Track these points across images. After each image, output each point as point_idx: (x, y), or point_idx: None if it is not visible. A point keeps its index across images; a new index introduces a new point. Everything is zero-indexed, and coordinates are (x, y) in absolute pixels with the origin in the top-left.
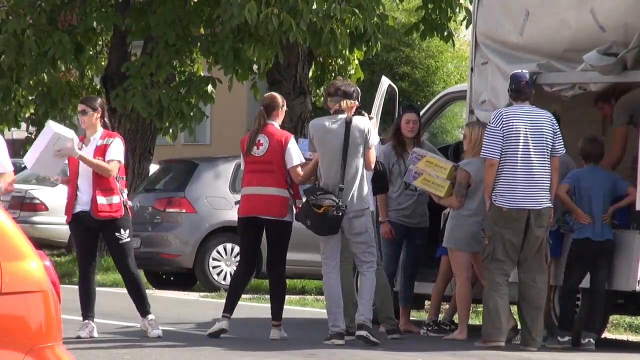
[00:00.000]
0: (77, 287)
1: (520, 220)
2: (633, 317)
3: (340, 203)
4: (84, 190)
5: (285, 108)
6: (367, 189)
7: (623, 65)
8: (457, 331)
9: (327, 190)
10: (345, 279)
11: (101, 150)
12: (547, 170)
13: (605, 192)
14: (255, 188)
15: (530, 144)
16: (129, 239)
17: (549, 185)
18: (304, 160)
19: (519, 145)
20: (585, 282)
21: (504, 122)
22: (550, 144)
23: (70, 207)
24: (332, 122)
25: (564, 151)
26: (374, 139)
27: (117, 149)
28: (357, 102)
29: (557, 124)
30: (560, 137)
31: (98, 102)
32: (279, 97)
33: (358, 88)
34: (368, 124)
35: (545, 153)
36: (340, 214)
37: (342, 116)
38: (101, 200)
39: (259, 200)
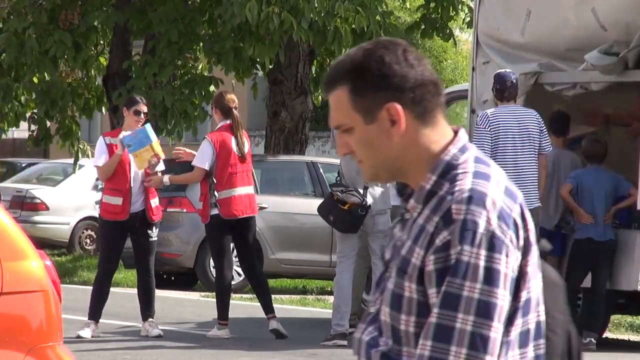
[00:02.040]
0: (78, 286)
1: None
2: (634, 317)
3: (365, 202)
4: (136, 192)
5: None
6: (388, 188)
7: (624, 65)
8: None
9: (353, 189)
10: (358, 276)
11: None
12: (535, 169)
13: (608, 193)
14: (246, 188)
15: (518, 144)
16: (156, 238)
17: (537, 184)
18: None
19: (506, 146)
20: (587, 282)
21: (490, 123)
22: (537, 142)
23: (127, 204)
24: None
25: (551, 149)
26: None
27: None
28: None
29: (543, 122)
30: (547, 135)
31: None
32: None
33: None
34: None
35: (533, 152)
36: (364, 212)
37: None
38: (155, 203)
39: (250, 199)
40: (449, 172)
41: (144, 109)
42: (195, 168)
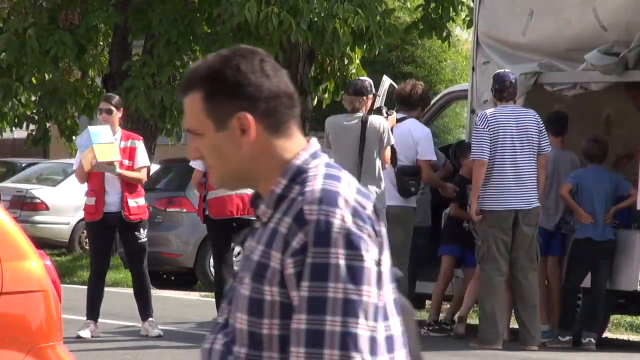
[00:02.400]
0: (78, 286)
1: (509, 219)
2: (634, 317)
3: None
4: (111, 192)
5: None
6: (384, 187)
7: (624, 65)
8: None
9: None
10: None
11: (126, 153)
12: (534, 170)
13: (608, 193)
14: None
15: (517, 144)
16: (146, 239)
17: (536, 184)
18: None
19: (505, 146)
20: (586, 282)
21: (489, 123)
22: (537, 142)
23: (100, 204)
24: (348, 120)
25: (550, 149)
26: (390, 138)
27: (144, 154)
28: (370, 96)
29: (542, 123)
30: (546, 135)
31: (119, 100)
32: None
33: (370, 80)
34: (384, 123)
35: (532, 152)
36: None
37: (359, 115)
38: (132, 203)
39: (242, 200)
40: (299, 175)
41: (105, 106)
42: (194, 169)
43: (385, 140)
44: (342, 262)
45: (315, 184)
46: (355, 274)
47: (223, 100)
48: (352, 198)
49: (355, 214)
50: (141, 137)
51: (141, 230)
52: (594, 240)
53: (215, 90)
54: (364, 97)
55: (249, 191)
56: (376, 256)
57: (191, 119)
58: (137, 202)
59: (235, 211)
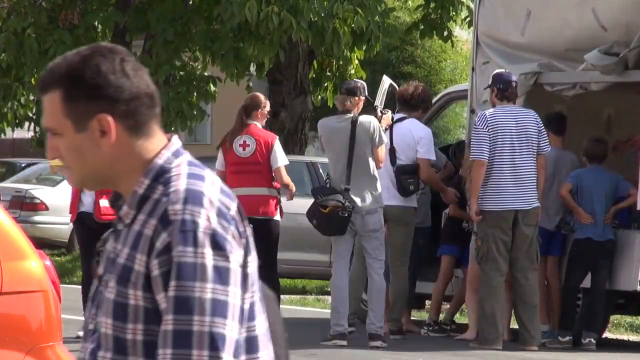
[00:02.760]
0: (77, 286)
1: (509, 219)
2: (634, 317)
3: (346, 204)
4: (87, 192)
5: (267, 109)
6: (379, 187)
7: (624, 65)
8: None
9: (335, 191)
10: (356, 277)
11: None
12: (534, 170)
13: (607, 193)
14: (245, 189)
15: (516, 145)
16: None
17: (536, 184)
18: (287, 162)
19: (504, 146)
20: (586, 282)
21: (489, 124)
22: (536, 143)
23: (75, 207)
24: (339, 122)
25: (549, 149)
26: (382, 137)
27: None
28: (362, 98)
29: (541, 123)
30: (546, 136)
31: None
32: (260, 98)
33: (363, 82)
34: (374, 123)
35: (532, 152)
36: (346, 214)
37: (349, 115)
38: (104, 203)
39: (251, 200)
40: (162, 175)
41: None
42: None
43: (377, 139)
44: (208, 262)
45: (179, 184)
46: (221, 275)
47: (82, 101)
48: (216, 198)
49: (220, 214)
50: None
51: None
52: (593, 240)
53: (74, 91)
54: (356, 98)
55: (265, 191)
56: (241, 258)
57: (50, 118)
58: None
59: (251, 211)
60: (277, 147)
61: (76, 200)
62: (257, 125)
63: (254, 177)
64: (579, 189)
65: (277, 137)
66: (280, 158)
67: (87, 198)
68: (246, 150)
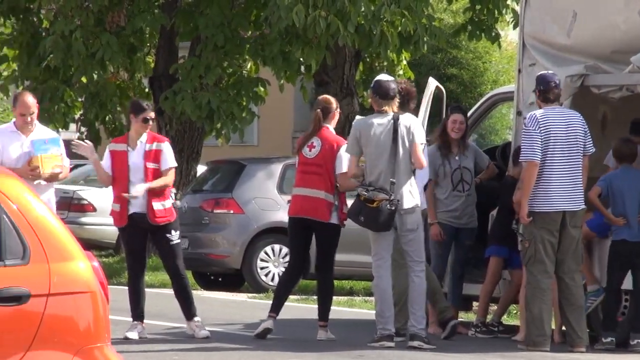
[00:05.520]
0: (125, 287)
1: (557, 220)
2: None
3: (393, 197)
4: (136, 192)
5: (339, 110)
6: (417, 186)
7: None
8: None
9: (380, 186)
10: (400, 281)
11: (152, 156)
12: (580, 171)
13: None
14: (304, 189)
15: (565, 146)
16: (179, 240)
17: (582, 185)
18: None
19: (555, 147)
20: (630, 284)
21: (539, 125)
22: (582, 144)
23: (125, 210)
24: (380, 120)
25: (594, 150)
26: (419, 136)
27: (170, 155)
28: (397, 97)
29: (586, 124)
30: (590, 137)
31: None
32: (333, 100)
33: (394, 80)
34: (415, 121)
35: (579, 153)
36: (393, 208)
37: (390, 113)
38: (157, 206)
39: (307, 201)
40: None
41: (152, 115)
42: None
43: (414, 137)
44: None
45: None
46: None
47: None
48: None
49: None
50: (167, 139)
51: (172, 231)
52: (629, 242)
53: None
54: (391, 98)
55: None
56: None
57: None
58: (164, 204)
59: (303, 210)
60: (342, 153)
61: (125, 203)
62: (330, 128)
63: (313, 178)
64: (610, 191)
65: (344, 143)
66: (345, 164)
67: (138, 200)
68: (312, 152)
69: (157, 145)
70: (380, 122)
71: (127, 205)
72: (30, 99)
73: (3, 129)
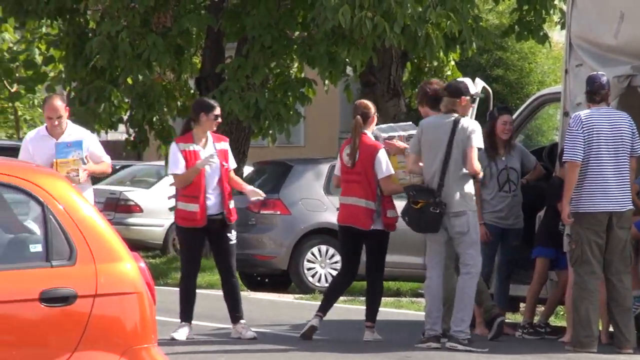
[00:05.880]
0: (171, 288)
1: (603, 221)
2: None
3: (438, 200)
4: (211, 196)
5: (376, 114)
6: (471, 189)
7: None
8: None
9: (426, 188)
10: (448, 283)
11: (224, 155)
12: (627, 172)
13: None
14: (347, 198)
15: (611, 146)
16: (236, 241)
17: (629, 186)
18: (393, 172)
19: (600, 147)
20: None
21: (584, 125)
22: (630, 145)
23: (204, 210)
24: (442, 121)
25: None
26: (476, 140)
27: (231, 155)
28: (466, 97)
29: (634, 125)
30: (639, 138)
31: None
32: (371, 105)
33: (466, 82)
34: (474, 125)
35: (626, 154)
36: (437, 210)
37: (453, 115)
38: (231, 205)
39: (349, 210)
40: None
41: (219, 111)
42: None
43: (469, 140)
44: None
45: None
46: None
47: None
48: None
49: None
50: (227, 138)
51: (233, 231)
52: None
53: None
54: (459, 99)
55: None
56: None
57: None
58: (233, 203)
59: (347, 219)
60: (381, 157)
61: (203, 205)
62: (368, 133)
63: (353, 187)
64: None
65: (383, 146)
66: (386, 168)
67: (211, 202)
68: (351, 161)
69: (224, 145)
70: (441, 124)
71: (206, 204)
72: (58, 103)
73: (34, 133)
